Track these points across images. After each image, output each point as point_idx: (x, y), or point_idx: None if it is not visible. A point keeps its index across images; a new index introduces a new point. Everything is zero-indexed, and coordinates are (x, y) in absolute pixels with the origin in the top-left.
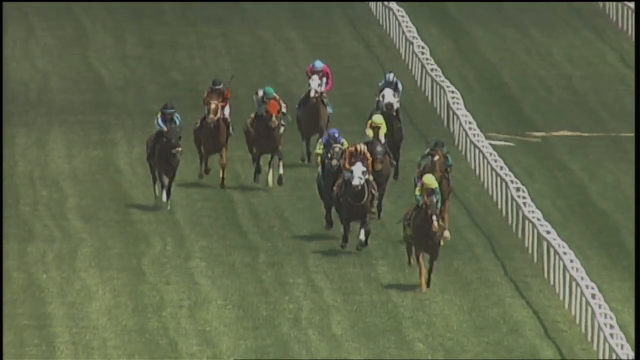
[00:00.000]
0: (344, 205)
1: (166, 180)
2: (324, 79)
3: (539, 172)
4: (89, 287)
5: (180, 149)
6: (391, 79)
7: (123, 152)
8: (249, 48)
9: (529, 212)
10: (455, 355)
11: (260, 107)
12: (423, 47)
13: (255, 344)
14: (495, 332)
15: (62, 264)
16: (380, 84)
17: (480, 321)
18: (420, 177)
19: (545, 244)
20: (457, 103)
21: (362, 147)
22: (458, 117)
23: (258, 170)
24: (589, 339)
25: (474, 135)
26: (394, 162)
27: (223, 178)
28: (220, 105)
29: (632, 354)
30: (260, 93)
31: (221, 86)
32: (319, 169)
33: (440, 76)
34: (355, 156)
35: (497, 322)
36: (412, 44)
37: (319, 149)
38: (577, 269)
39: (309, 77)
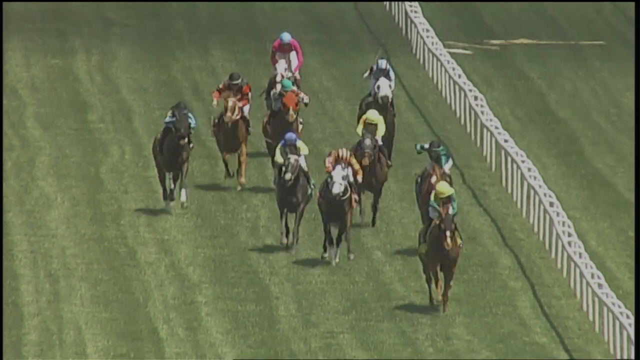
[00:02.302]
0: (324, 206)
1: (174, 179)
2: (293, 56)
3: (498, 80)
4: (47, 195)
5: (187, 140)
6: (384, 66)
7: (82, 60)
8: None
9: (487, 120)
10: (414, 263)
11: (276, 102)
12: None
13: (213, 253)
14: None
15: (20, 173)
16: (372, 70)
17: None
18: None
19: (503, 152)
20: (415, 12)
21: (345, 152)
22: (416, 26)
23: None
24: (547, 247)
25: (432, 43)
26: (390, 163)
27: (241, 175)
28: (239, 104)
29: (590, 262)
30: (278, 88)
31: (239, 81)
32: (274, 174)
33: None
34: (339, 162)
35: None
36: None
37: (279, 156)
38: (535, 178)
39: (275, 55)
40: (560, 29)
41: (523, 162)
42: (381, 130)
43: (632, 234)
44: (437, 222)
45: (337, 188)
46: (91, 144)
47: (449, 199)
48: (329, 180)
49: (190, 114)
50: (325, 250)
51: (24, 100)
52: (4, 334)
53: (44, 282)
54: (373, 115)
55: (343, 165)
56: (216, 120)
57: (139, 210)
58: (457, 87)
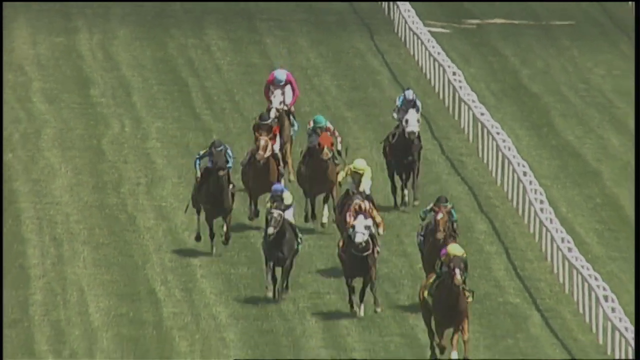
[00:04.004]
0: (346, 260)
1: (218, 224)
2: (288, 90)
3: (474, 57)
4: (52, 165)
5: (226, 172)
6: (411, 97)
7: (85, 38)
8: None
9: (464, 94)
10: (396, 229)
11: (311, 137)
12: None
13: None
14: None
15: (27, 144)
16: (398, 103)
17: (418, 196)
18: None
19: (479, 124)
20: None
21: (367, 204)
22: (398, 7)
23: (312, 215)
24: (520, 213)
25: (413, 22)
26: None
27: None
28: (270, 142)
29: (560, 227)
30: (312, 123)
31: (269, 121)
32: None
33: None
34: (360, 212)
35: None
36: None
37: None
38: (509, 148)
39: (269, 90)
40: (532, 10)
41: (498, 133)
42: (367, 178)
43: (599, 200)
44: (444, 276)
45: (360, 237)
46: (93, 118)
47: (460, 260)
48: (350, 231)
49: (227, 154)
50: (352, 307)
51: (30, 76)
52: (10, 295)
53: (49, 246)
54: (359, 164)
55: (365, 215)
56: (246, 160)
57: (138, 179)
58: (436, 64)
